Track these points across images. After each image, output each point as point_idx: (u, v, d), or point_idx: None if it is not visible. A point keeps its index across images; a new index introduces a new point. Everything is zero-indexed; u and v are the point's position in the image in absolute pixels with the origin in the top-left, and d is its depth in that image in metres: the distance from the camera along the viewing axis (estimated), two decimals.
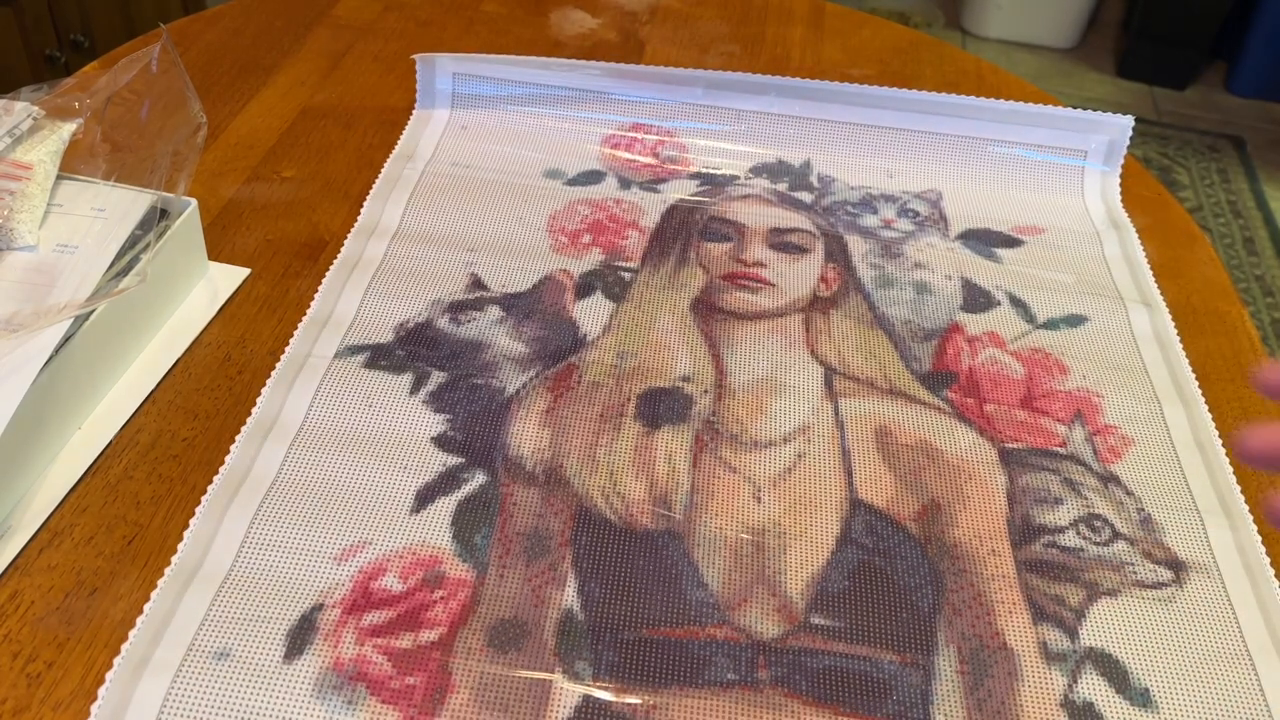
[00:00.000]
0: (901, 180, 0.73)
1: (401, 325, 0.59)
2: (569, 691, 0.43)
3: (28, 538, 0.47)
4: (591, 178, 0.71)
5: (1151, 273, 0.67)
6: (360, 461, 0.51)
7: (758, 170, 0.73)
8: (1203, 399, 0.59)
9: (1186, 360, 0.61)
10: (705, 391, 0.56)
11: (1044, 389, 0.59)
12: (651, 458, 0.53)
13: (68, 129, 0.58)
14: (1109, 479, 0.54)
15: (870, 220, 0.70)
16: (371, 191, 0.68)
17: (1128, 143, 0.73)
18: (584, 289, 0.62)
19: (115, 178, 0.58)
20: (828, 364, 0.59)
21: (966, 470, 0.54)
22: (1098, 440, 0.56)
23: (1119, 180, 0.74)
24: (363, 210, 0.66)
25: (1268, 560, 0.50)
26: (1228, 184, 2.09)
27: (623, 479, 0.51)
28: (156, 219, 0.56)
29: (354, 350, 0.57)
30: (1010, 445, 0.55)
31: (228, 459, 0.50)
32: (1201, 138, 2.22)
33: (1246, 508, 0.53)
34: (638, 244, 0.66)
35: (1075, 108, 0.74)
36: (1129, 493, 0.53)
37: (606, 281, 0.63)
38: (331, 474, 0.51)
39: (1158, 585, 0.49)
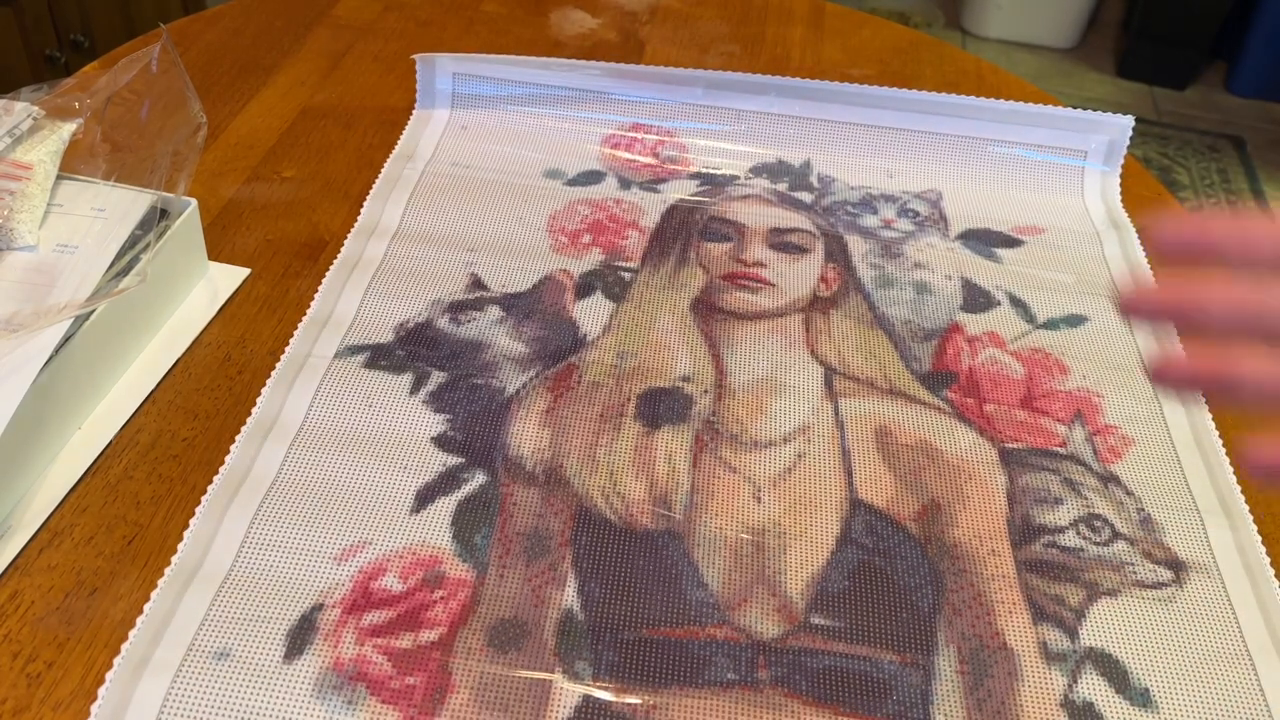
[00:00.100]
0: (901, 180, 0.73)
1: (401, 325, 0.59)
2: (569, 691, 0.43)
3: (28, 538, 0.47)
4: (591, 178, 0.71)
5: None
6: (360, 461, 0.51)
7: (758, 170, 0.73)
8: (1203, 399, 0.59)
9: None
10: (705, 391, 0.56)
11: (1044, 389, 0.59)
12: (651, 458, 0.53)
13: (68, 129, 0.58)
14: (1109, 479, 0.54)
15: (870, 220, 0.70)
16: (371, 191, 0.68)
17: (1128, 143, 0.73)
18: (584, 289, 0.62)
19: (115, 178, 0.58)
20: (828, 364, 0.59)
21: (966, 470, 0.54)
22: (1098, 440, 0.56)
23: (1119, 180, 0.74)
24: (363, 210, 0.66)
25: (1268, 560, 0.50)
26: (1228, 184, 2.09)
27: (623, 479, 0.51)
28: (156, 219, 0.56)
29: (354, 350, 0.57)
30: (1010, 445, 0.55)
31: (228, 459, 0.50)
32: (1201, 138, 2.22)
33: (1246, 508, 0.53)
34: (638, 244, 0.66)
35: (1075, 108, 0.74)
36: (1129, 493, 0.53)
37: (606, 281, 0.63)
38: (331, 474, 0.51)
39: (1158, 585, 0.49)
